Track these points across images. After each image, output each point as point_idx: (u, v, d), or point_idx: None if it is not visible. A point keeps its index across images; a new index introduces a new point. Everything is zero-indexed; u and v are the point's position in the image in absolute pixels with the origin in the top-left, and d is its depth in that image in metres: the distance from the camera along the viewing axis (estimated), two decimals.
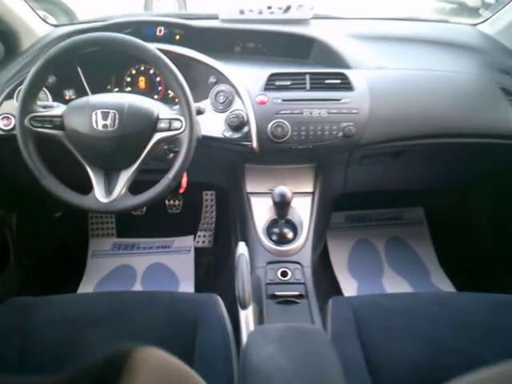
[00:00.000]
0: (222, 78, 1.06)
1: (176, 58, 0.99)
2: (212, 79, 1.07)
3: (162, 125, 0.88)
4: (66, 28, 1.24)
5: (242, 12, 1.21)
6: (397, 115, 1.04)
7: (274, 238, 1.08)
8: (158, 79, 1.20)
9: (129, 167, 0.90)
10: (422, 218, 1.76)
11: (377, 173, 1.27)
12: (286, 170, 1.15)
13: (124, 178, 0.90)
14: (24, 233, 1.44)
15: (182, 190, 1.03)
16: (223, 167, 1.25)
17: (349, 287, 1.53)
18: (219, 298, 0.94)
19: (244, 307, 0.83)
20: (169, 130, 0.88)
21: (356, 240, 1.71)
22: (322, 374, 0.59)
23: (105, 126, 0.86)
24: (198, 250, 1.73)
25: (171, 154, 1.01)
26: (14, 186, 1.33)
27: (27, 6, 1.18)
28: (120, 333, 0.87)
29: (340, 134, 1.02)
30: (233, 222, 1.46)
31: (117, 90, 1.20)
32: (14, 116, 1.02)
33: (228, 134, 1.03)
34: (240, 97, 1.04)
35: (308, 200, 1.14)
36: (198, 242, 1.77)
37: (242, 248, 0.91)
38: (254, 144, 1.02)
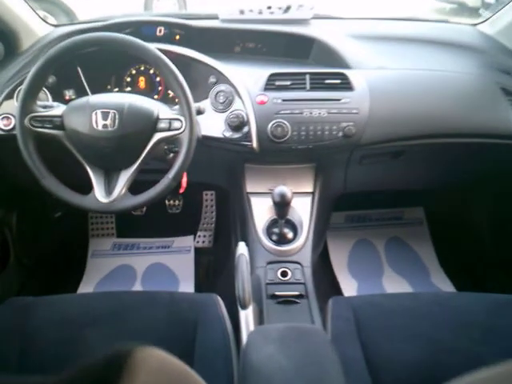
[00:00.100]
0: (222, 78, 1.06)
1: (176, 58, 0.98)
2: (212, 79, 1.07)
3: (162, 125, 0.88)
4: (66, 28, 1.24)
5: (241, 12, 1.21)
6: (397, 115, 1.04)
7: (274, 237, 1.08)
8: (157, 79, 1.20)
9: (129, 167, 0.90)
10: (422, 218, 1.76)
11: (377, 173, 1.27)
12: (286, 169, 1.15)
13: (124, 178, 0.90)
14: (24, 233, 1.44)
15: (181, 190, 1.03)
16: (223, 167, 1.25)
17: (349, 287, 1.53)
18: (219, 298, 0.94)
19: (244, 307, 0.83)
20: (169, 130, 0.88)
21: (356, 240, 1.71)
22: (322, 374, 0.58)
23: (105, 125, 0.86)
24: (197, 250, 1.73)
25: (171, 154, 1.01)
26: (14, 186, 1.33)
27: (27, 6, 1.18)
28: (120, 333, 0.87)
29: (340, 134, 1.02)
30: (233, 222, 1.46)
31: (117, 90, 1.19)
32: (13, 116, 1.02)
33: (228, 134, 1.03)
34: (240, 97, 1.04)
35: (308, 200, 1.14)
36: (197, 242, 1.77)
37: (242, 248, 0.91)
38: (254, 144, 1.02)
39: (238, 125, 1.02)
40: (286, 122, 1.01)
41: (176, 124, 0.88)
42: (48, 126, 0.89)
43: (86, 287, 1.56)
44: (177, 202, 1.78)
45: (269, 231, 1.09)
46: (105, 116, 0.86)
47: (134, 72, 1.20)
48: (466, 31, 1.34)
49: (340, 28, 1.25)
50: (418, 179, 1.36)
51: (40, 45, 1.17)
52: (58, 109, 0.91)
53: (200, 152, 0.93)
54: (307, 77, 1.06)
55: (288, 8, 1.20)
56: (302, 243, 1.07)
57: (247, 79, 1.06)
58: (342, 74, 1.06)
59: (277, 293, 0.97)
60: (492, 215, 1.49)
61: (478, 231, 1.55)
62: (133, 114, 0.87)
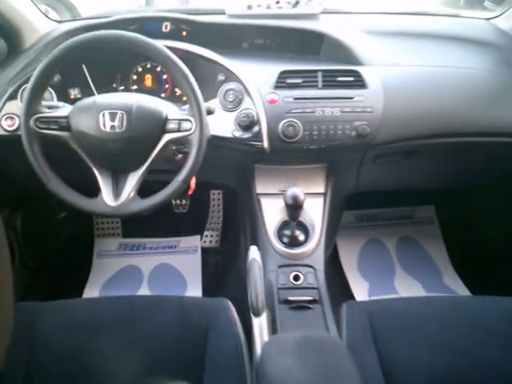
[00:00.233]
0: (230, 76, 1.03)
1: (183, 55, 0.95)
2: (221, 77, 1.04)
3: (171, 126, 0.85)
4: (70, 24, 1.20)
5: (249, 7, 1.17)
6: (412, 113, 1.01)
7: (285, 240, 1.06)
8: (164, 77, 1.17)
9: (137, 169, 0.87)
10: (432, 217, 1.73)
11: (390, 172, 1.24)
12: (297, 170, 1.12)
13: (132, 180, 0.87)
14: (28, 234, 1.42)
15: (190, 192, 1.00)
16: (232, 167, 1.22)
17: (360, 289, 1.50)
18: (230, 303, 0.92)
19: (257, 315, 0.81)
20: (178, 131, 0.85)
21: (366, 239, 1.68)
22: None
23: (112, 127, 0.83)
24: (204, 250, 1.70)
25: (180, 155, 0.98)
26: (19, 187, 1.31)
27: (29, 1, 1.14)
28: (129, 339, 0.85)
29: (353, 133, 0.99)
30: (242, 223, 1.44)
31: (122, 88, 1.17)
32: (17, 116, 1.00)
33: (238, 133, 1.00)
34: (250, 95, 1.00)
35: (320, 201, 1.11)
36: (204, 241, 1.75)
37: (254, 253, 0.88)
38: (265, 144, 0.99)
39: (248, 124, 0.99)
40: (297, 122, 0.98)
41: (186, 125, 0.85)
42: (54, 127, 0.86)
43: (92, 288, 1.54)
44: (183, 202, 1.76)
45: (279, 233, 1.07)
46: (112, 117, 0.83)
47: (140, 70, 1.17)
48: (479, 26, 1.30)
49: (350, 23, 1.21)
50: (431, 179, 1.33)
51: (43, 42, 1.14)
52: (64, 109, 0.88)
53: (208, 152, 0.89)
54: (319, 74, 1.02)
55: (297, 2, 1.17)
56: (315, 246, 1.05)
57: (257, 77, 1.03)
58: (355, 71, 1.02)
59: (289, 298, 0.94)
60: (506, 215, 1.46)
61: (490, 231, 1.52)
62: (141, 115, 0.84)
